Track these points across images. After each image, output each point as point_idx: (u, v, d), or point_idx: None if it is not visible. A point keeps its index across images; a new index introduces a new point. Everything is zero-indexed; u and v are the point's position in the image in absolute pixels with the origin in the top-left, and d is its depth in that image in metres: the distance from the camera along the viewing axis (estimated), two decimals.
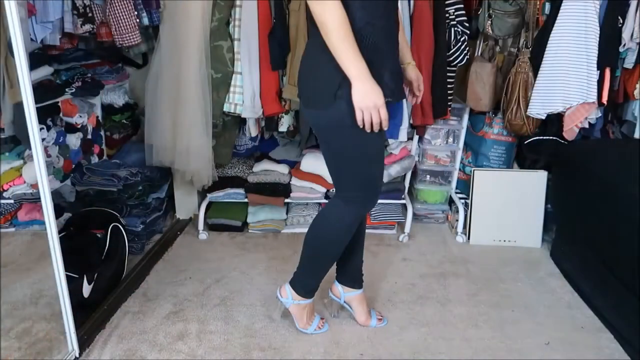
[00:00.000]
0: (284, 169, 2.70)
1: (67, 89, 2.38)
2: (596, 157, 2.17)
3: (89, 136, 2.61)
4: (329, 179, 2.37)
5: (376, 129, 1.44)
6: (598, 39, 2.24)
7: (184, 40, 2.26)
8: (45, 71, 2.29)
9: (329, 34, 1.35)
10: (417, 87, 1.74)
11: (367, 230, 1.88)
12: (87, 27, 2.11)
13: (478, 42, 2.70)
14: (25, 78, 1.41)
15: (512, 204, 2.56)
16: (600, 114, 2.46)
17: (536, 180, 2.56)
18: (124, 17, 2.16)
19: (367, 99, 1.38)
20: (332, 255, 1.76)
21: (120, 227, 2.21)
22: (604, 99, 2.36)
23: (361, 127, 1.43)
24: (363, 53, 1.38)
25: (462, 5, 2.37)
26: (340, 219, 1.66)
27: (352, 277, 1.89)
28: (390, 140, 2.56)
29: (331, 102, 1.44)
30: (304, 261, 1.79)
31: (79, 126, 2.52)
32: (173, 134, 2.37)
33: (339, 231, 1.68)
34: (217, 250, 2.51)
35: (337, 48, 1.36)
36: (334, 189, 1.69)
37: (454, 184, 2.82)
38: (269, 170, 2.68)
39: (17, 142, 2.41)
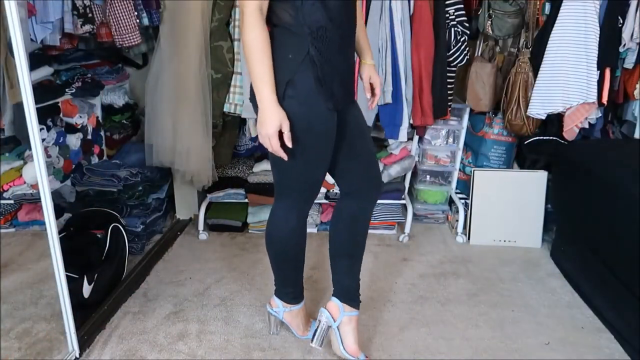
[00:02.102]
0: None
1: (67, 89, 2.38)
2: (596, 157, 2.17)
3: (89, 136, 2.62)
4: (330, 179, 2.37)
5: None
6: (598, 39, 2.24)
7: (184, 40, 2.26)
8: (45, 71, 2.29)
9: (249, 53, 1.35)
10: (368, 88, 1.69)
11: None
12: (87, 27, 2.11)
13: (478, 42, 2.70)
14: (25, 78, 1.41)
15: (512, 204, 2.56)
16: (600, 114, 2.46)
17: (536, 180, 2.56)
18: (124, 17, 2.16)
19: (262, 125, 1.39)
20: (293, 259, 1.74)
21: (120, 227, 2.21)
22: (604, 99, 2.36)
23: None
24: (313, 59, 1.38)
25: (462, 5, 2.37)
26: (286, 222, 1.65)
27: (347, 296, 1.74)
28: (390, 141, 2.56)
29: (280, 101, 1.40)
30: (273, 270, 1.79)
31: (79, 126, 2.52)
32: (173, 134, 2.37)
33: (289, 233, 1.67)
34: (217, 250, 2.51)
35: (252, 69, 1.36)
36: (275, 192, 1.67)
37: (454, 184, 2.82)
38: (269, 170, 2.67)
39: (17, 142, 2.42)
